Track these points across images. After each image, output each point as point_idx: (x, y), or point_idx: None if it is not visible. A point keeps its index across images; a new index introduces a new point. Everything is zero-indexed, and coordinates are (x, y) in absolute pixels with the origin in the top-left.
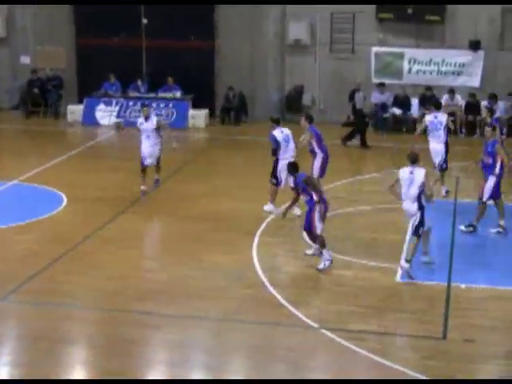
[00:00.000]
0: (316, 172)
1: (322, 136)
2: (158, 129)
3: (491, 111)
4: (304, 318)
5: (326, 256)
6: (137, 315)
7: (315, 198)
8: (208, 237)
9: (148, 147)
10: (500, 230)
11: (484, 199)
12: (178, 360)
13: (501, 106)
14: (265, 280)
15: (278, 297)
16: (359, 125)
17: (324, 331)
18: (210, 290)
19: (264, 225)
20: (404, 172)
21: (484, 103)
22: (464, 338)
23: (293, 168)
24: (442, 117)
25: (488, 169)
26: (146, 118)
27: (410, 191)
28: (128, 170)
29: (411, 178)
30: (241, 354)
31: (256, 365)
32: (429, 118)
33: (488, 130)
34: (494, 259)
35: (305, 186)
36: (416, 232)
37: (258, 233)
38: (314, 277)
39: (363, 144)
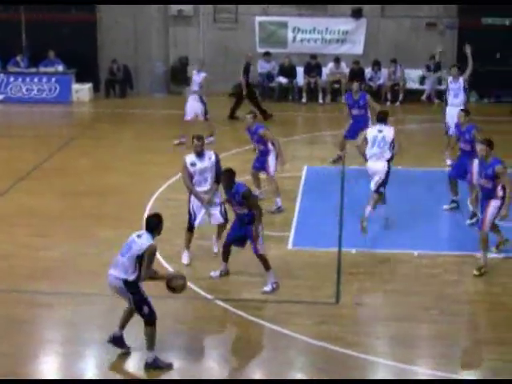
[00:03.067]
0: (272, 168)
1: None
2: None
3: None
4: (198, 290)
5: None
6: (29, 295)
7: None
8: (97, 212)
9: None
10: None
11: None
12: (71, 337)
13: (384, 72)
14: (156, 253)
15: (170, 269)
16: (251, 97)
17: (218, 302)
18: (102, 266)
19: (153, 198)
20: (372, 131)
21: (368, 70)
22: (356, 302)
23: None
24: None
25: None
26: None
27: (378, 149)
28: (13, 146)
29: (380, 136)
30: (136, 329)
31: None
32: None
33: (461, 114)
34: (383, 223)
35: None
36: (377, 190)
37: (148, 207)
38: (206, 247)
39: (264, 114)
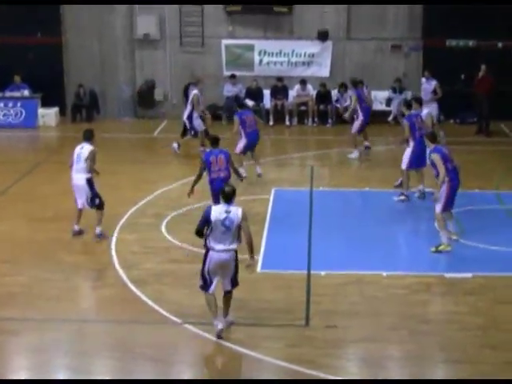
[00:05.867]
0: (238, 150)
1: (249, 121)
2: None
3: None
4: (166, 314)
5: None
6: None
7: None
8: (65, 237)
9: None
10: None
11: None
12: (39, 364)
13: (350, 94)
14: (125, 278)
15: (139, 294)
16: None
17: (187, 326)
18: (69, 292)
19: (121, 222)
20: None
21: (334, 92)
22: (326, 325)
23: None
24: None
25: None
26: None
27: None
28: None
29: None
30: (104, 355)
31: (119, 364)
32: None
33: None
34: (351, 245)
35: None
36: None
37: (116, 230)
38: (173, 272)
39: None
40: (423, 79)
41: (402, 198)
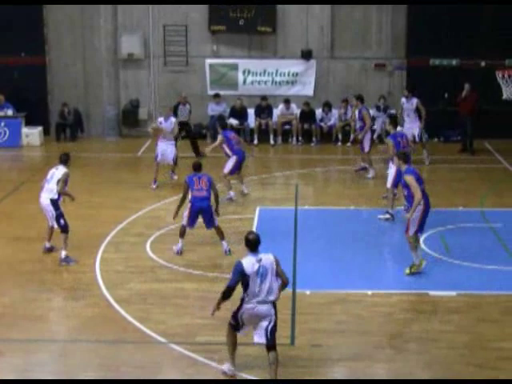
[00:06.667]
0: (227, 170)
1: (235, 140)
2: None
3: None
4: (151, 334)
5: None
6: None
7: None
8: (48, 257)
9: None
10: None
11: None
12: None
13: (334, 113)
14: (109, 297)
15: (124, 313)
16: (191, 136)
17: (172, 345)
18: (53, 311)
19: (105, 241)
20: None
21: (319, 111)
22: (311, 344)
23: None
24: None
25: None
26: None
27: None
28: None
29: None
30: (88, 375)
31: None
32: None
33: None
34: (337, 264)
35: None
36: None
37: (100, 250)
38: (158, 291)
39: (197, 153)
40: (403, 99)
41: (387, 216)
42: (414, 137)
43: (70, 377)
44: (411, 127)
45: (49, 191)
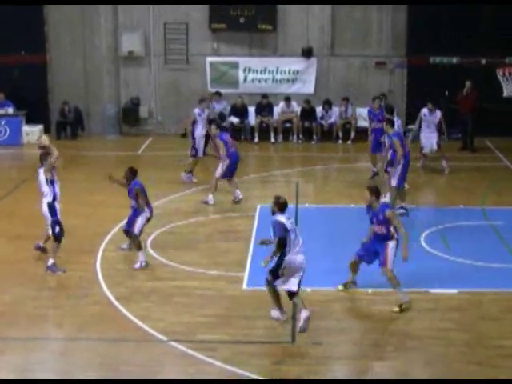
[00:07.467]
0: (218, 174)
1: (230, 142)
2: None
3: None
4: (152, 332)
5: (141, 258)
6: None
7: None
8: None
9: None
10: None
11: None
12: None
13: (335, 111)
14: (110, 296)
15: (124, 312)
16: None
17: (173, 343)
18: (54, 310)
19: (106, 239)
20: None
21: (319, 109)
22: (312, 341)
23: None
24: None
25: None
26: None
27: None
28: None
29: None
30: (88, 374)
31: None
32: None
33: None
34: (337, 262)
35: (136, 195)
36: None
37: (101, 248)
38: (159, 289)
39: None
40: (425, 110)
41: (402, 211)
42: (431, 145)
43: (70, 375)
44: (430, 137)
45: (44, 196)
